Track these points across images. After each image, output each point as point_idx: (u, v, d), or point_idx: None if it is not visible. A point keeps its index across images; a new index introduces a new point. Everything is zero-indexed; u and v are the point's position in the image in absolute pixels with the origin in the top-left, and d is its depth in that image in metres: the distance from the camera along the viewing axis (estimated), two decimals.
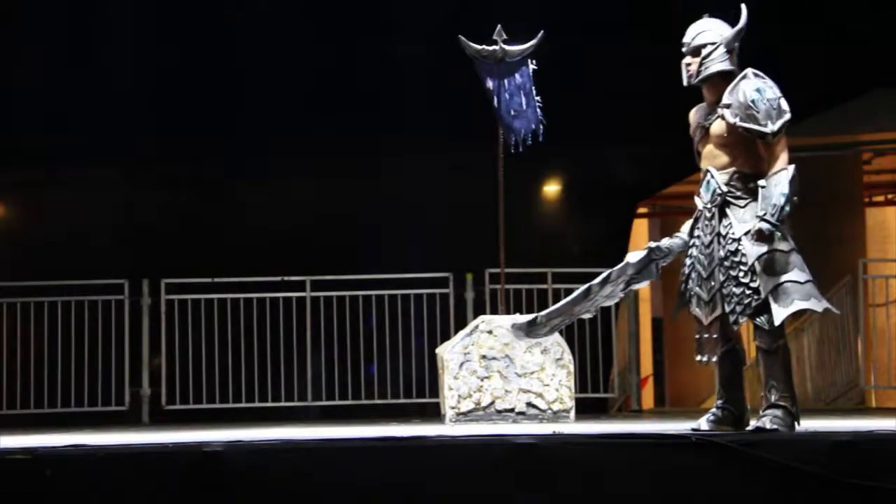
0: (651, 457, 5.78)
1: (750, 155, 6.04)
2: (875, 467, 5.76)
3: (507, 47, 7.96)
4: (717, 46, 6.08)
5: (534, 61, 7.98)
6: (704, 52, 6.08)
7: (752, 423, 6.28)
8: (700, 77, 6.10)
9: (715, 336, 6.16)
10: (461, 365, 7.70)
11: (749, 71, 6.04)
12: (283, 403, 10.53)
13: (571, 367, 7.77)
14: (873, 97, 12.92)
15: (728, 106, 6.01)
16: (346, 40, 11.96)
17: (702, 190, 6.13)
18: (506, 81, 7.95)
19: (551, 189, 13.09)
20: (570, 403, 7.71)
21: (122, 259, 11.42)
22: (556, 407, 7.64)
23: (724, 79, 6.07)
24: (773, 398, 6.13)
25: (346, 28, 11.92)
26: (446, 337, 9.00)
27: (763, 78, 6.02)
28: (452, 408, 7.66)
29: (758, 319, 6.03)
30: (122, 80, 11.61)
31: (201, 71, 11.84)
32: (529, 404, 7.64)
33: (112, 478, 5.61)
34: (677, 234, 6.32)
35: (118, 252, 11.63)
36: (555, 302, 10.61)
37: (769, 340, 6.08)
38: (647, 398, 17.14)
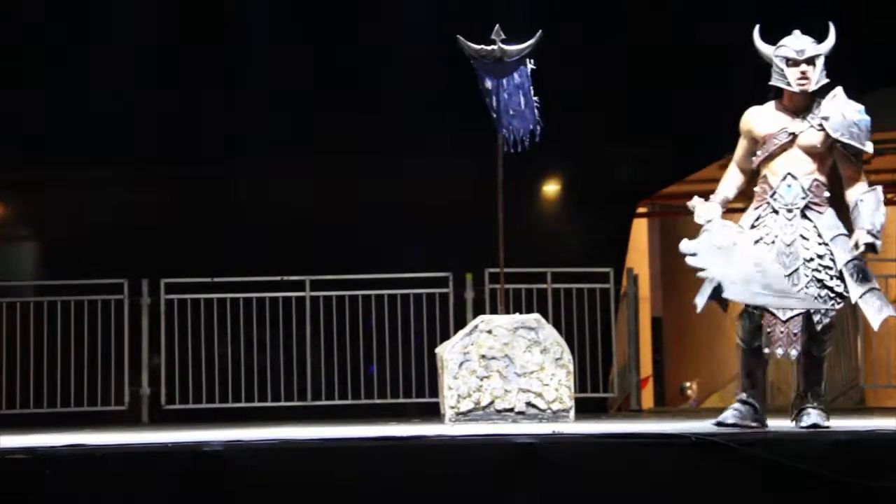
0: (651, 456, 5.79)
1: (827, 166, 6.44)
2: (875, 466, 5.76)
3: (505, 47, 7.95)
4: (823, 59, 6.49)
5: (532, 61, 7.98)
6: (819, 62, 6.45)
7: (805, 421, 6.48)
8: (818, 85, 6.44)
9: (795, 332, 6.30)
10: (461, 365, 7.70)
11: (840, 90, 6.47)
12: (282, 403, 10.53)
13: (571, 367, 7.77)
14: (873, 97, 12.90)
15: (826, 119, 6.38)
16: (345, 40, 11.95)
17: (781, 191, 6.37)
18: (504, 81, 7.95)
19: (551, 189, 13.09)
20: (570, 403, 7.71)
21: (122, 259, 11.42)
22: (555, 407, 7.64)
23: (815, 91, 6.47)
24: (815, 399, 6.51)
25: (346, 27, 11.92)
26: (446, 337, 9.00)
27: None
28: (452, 407, 7.66)
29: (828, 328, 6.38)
30: (121, 80, 11.60)
31: (198, 70, 11.83)
32: (529, 404, 7.64)
33: (111, 477, 5.61)
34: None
35: (117, 252, 11.62)
36: (555, 302, 10.66)
37: (822, 348, 6.46)
38: (647, 398, 17.14)
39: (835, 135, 6.36)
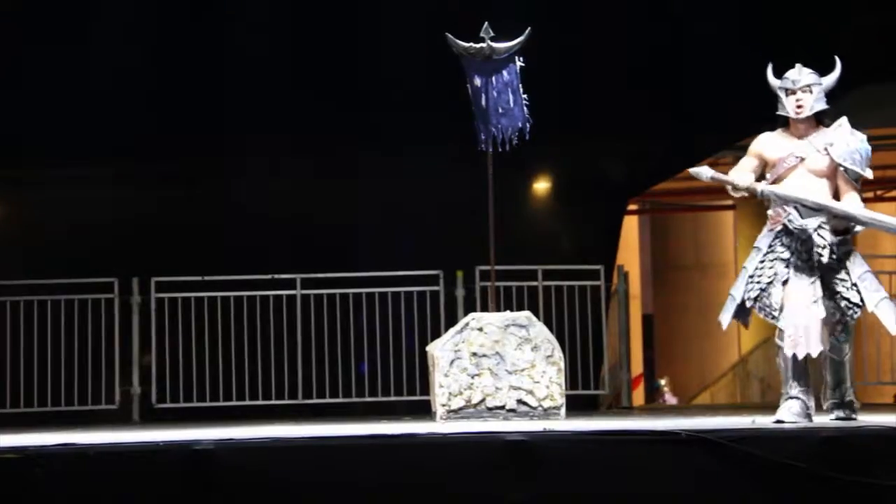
0: (642, 453, 5.80)
1: (831, 188, 6.98)
2: (864, 463, 5.78)
3: (494, 45, 7.95)
4: (821, 88, 7.03)
5: (521, 59, 7.98)
6: (815, 90, 6.99)
7: (835, 415, 7.04)
8: (812, 111, 6.98)
9: (816, 334, 6.86)
10: (452, 362, 7.70)
11: (845, 119, 7.02)
12: (274, 402, 10.52)
13: (562, 364, 7.78)
14: (867, 92, 12.93)
15: (831, 145, 6.92)
16: (336, 41, 11.94)
17: (794, 211, 6.94)
18: (493, 79, 7.94)
19: (541, 186, 13.10)
20: (561, 400, 7.72)
21: (112, 257, 11.40)
22: (546, 404, 7.65)
23: (817, 117, 7.03)
24: (848, 397, 7.08)
25: (337, 28, 11.91)
26: (437, 334, 9.00)
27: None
28: (443, 405, 7.66)
29: (845, 334, 7.00)
30: (111, 79, 11.58)
31: (190, 69, 11.82)
32: (520, 401, 7.65)
33: (103, 476, 5.61)
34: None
35: (108, 250, 11.60)
36: (545, 300, 10.66)
37: (844, 351, 7.03)
38: (638, 395, 17.17)
39: (838, 160, 6.89)
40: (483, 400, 7.64)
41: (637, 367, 17.71)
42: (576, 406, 9.01)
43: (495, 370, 7.68)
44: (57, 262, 11.39)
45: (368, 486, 5.68)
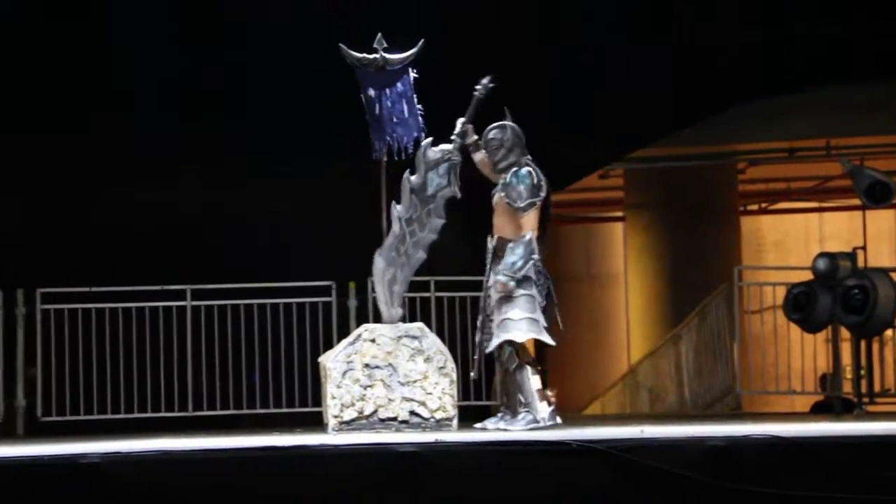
0: (533, 463, 5.84)
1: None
2: (750, 471, 5.89)
3: (387, 56, 7.97)
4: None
5: (414, 70, 8.01)
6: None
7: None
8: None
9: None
10: (344, 374, 7.67)
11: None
12: (163, 414, 10.38)
13: (454, 376, 7.79)
14: (748, 108, 13.22)
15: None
16: (225, 49, 11.83)
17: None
18: (387, 90, 7.97)
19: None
20: (454, 412, 7.73)
21: None
22: (439, 415, 7.66)
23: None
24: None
25: (227, 37, 11.81)
26: (329, 346, 8.96)
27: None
28: (335, 416, 7.63)
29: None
30: None
31: (64, 68, 11.58)
32: (413, 413, 7.64)
33: None
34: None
35: None
36: (438, 310, 10.68)
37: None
38: None
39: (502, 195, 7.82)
40: (375, 411, 7.63)
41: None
42: (468, 417, 9.03)
43: (388, 381, 7.67)
44: None
45: (260, 499, 5.63)
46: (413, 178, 7.90)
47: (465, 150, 7.98)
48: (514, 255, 7.64)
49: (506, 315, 7.61)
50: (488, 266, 7.82)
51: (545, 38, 11.99)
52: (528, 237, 7.68)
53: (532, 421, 7.47)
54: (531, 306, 7.61)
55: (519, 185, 7.73)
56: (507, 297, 7.61)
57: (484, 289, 7.81)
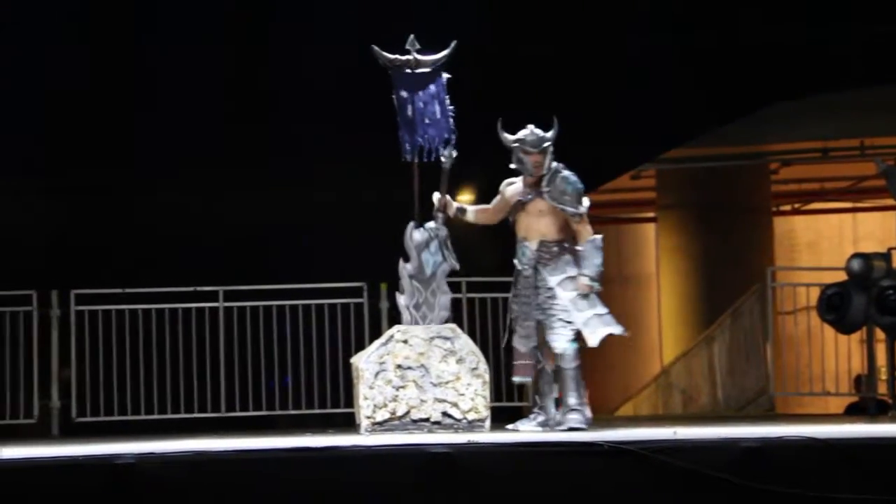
0: (566, 464, 5.83)
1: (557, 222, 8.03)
2: (784, 473, 5.86)
3: (420, 57, 7.97)
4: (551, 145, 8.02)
5: (445, 73, 8.00)
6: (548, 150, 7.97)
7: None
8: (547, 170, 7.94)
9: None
10: (376, 375, 7.68)
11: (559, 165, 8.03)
12: (196, 415, 10.43)
13: (487, 377, 7.79)
14: (780, 108, 13.16)
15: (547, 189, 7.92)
16: (254, 53, 11.87)
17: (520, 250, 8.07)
18: (419, 91, 7.97)
19: (465, 198, 13.12)
20: (486, 413, 7.73)
21: (31, 270, 11.23)
22: (471, 416, 7.66)
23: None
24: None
25: (257, 40, 11.85)
26: (361, 347, 8.97)
27: None
28: (368, 417, 7.64)
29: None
30: (28, 84, 11.41)
31: (109, 77, 11.67)
32: (445, 414, 7.64)
33: (22, 491, 5.53)
34: None
35: (26, 263, 11.43)
36: (470, 311, 10.68)
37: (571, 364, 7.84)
38: None
39: (552, 203, 7.86)
40: (408, 412, 7.63)
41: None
42: (500, 418, 9.03)
43: (420, 382, 7.67)
44: None
45: (292, 499, 5.65)
46: (408, 265, 7.96)
47: (448, 222, 8.04)
48: (596, 258, 7.77)
49: (594, 311, 7.71)
50: (533, 268, 7.85)
51: (577, 39, 11.97)
52: (598, 239, 7.85)
53: (585, 420, 7.57)
54: (602, 303, 7.80)
55: (573, 191, 7.85)
56: (584, 296, 7.72)
57: (535, 291, 7.81)
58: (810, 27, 12.15)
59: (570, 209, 7.83)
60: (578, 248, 7.83)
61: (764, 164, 15.90)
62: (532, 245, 7.92)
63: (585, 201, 7.91)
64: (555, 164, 7.95)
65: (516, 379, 7.96)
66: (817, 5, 12.23)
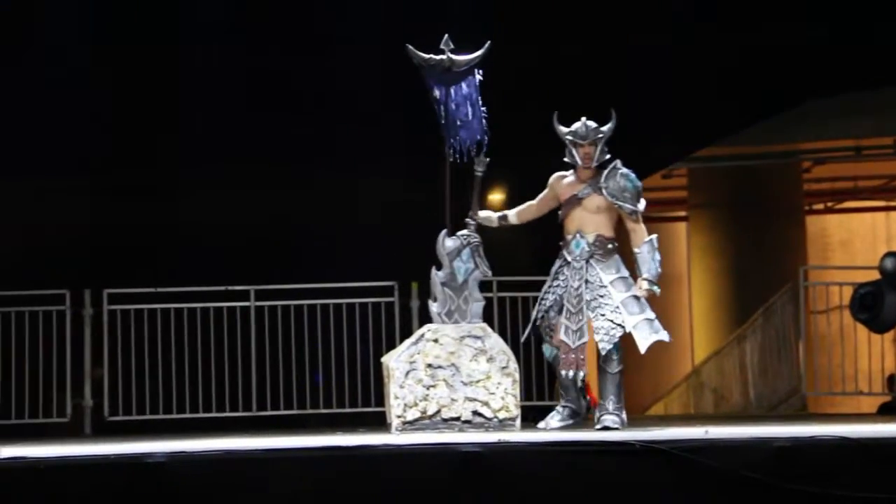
0: (597, 464, 5.82)
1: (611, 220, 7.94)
2: (816, 473, 5.83)
3: (454, 57, 7.96)
4: (604, 139, 8.03)
5: (480, 71, 7.99)
6: (600, 143, 7.96)
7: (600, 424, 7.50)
8: (597, 163, 7.92)
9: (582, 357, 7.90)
10: (407, 374, 7.69)
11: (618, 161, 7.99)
12: (227, 414, 10.46)
13: (517, 376, 7.78)
14: (813, 106, 13.10)
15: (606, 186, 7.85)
16: (292, 53, 11.90)
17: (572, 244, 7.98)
18: (452, 91, 7.95)
19: (497, 198, 13.11)
20: (516, 412, 7.72)
21: (64, 269, 11.30)
22: (501, 415, 7.65)
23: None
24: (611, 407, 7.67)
25: (294, 40, 11.88)
26: (392, 346, 8.97)
27: None
28: (398, 417, 7.64)
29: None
30: (62, 87, 11.48)
31: (143, 80, 11.73)
32: (475, 413, 7.64)
33: (54, 489, 5.56)
34: None
35: (59, 262, 11.50)
36: (500, 310, 10.67)
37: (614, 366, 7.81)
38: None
39: (611, 199, 7.79)
40: (438, 411, 7.63)
41: (592, 378, 17.72)
42: (531, 417, 9.02)
43: (451, 381, 7.67)
44: (8, 274, 11.26)
45: (322, 498, 5.66)
46: (440, 273, 7.89)
47: (481, 229, 8.00)
48: (654, 261, 7.71)
49: (644, 315, 7.62)
50: (585, 261, 7.75)
51: (608, 38, 11.94)
52: (655, 239, 7.79)
53: (620, 422, 7.53)
54: (651, 308, 7.73)
55: (633, 188, 7.81)
56: (636, 298, 7.64)
57: (585, 285, 7.72)
58: (845, 26, 12.09)
59: (628, 206, 7.75)
60: (636, 249, 7.74)
61: (796, 162, 15.82)
62: (589, 238, 7.82)
63: (643, 200, 7.85)
64: (615, 160, 7.89)
65: (565, 373, 7.83)
66: (852, 4, 12.16)
